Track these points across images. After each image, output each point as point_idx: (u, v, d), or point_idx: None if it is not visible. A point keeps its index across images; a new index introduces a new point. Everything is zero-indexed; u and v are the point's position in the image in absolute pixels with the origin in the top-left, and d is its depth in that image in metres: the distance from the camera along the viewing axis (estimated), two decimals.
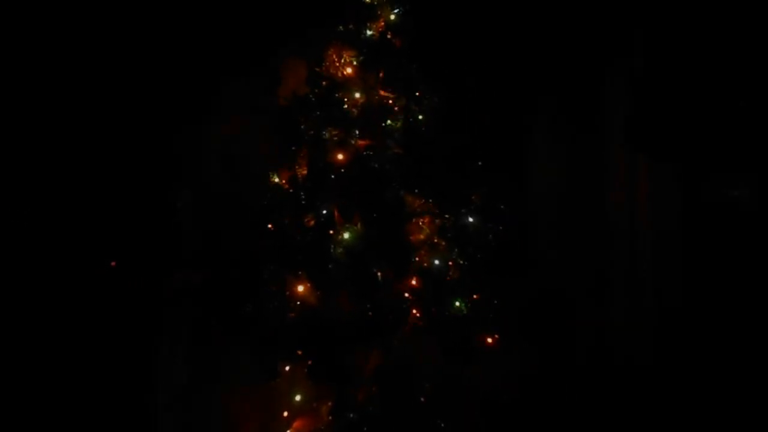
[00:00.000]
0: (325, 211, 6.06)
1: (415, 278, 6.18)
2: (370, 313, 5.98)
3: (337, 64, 6.36)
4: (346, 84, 6.30)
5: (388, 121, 6.24)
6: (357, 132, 6.21)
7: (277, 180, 6.34)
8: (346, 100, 6.22)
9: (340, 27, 6.38)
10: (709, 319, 7.28)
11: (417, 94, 6.32)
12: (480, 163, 6.38)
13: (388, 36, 6.39)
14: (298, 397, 6.29)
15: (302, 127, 6.32)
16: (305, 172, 6.25)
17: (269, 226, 6.20)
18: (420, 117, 6.28)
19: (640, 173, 7.56)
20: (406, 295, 6.14)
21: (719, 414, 6.95)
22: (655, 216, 7.54)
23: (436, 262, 6.14)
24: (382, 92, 6.36)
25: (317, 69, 6.38)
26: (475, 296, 6.22)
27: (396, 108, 6.29)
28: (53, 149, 7.17)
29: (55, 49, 7.19)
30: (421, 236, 6.25)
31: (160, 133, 7.23)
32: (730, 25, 7.30)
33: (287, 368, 6.33)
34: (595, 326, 7.43)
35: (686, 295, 7.40)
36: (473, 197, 6.28)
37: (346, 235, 6.01)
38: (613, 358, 7.35)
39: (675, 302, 7.43)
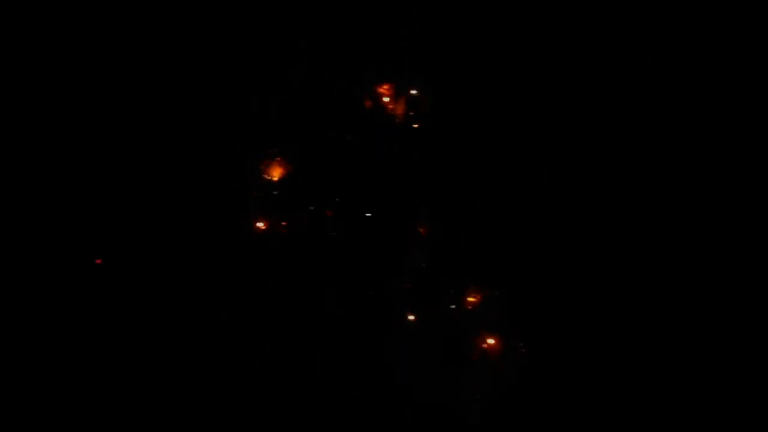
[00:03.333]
0: (315, 208, 6.07)
1: (407, 282, 6.18)
2: (363, 312, 5.97)
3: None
4: (344, 79, 6.29)
5: (386, 117, 6.24)
6: (352, 129, 6.21)
7: (268, 177, 6.35)
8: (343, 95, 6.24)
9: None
10: (719, 321, 7.18)
11: (414, 92, 6.30)
12: (479, 160, 6.33)
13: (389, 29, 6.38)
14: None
15: (297, 122, 6.32)
16: (297, 168, 6.26)
17: (260, 224, 6.20)
18: (417, 114, 6.27)
19: (649, 170, 7.46)
20: (400, 298, 6.13)
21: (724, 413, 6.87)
22: (665, 212, 7.45)
23: (431, 264, 6.12)
24: (379, 89, 6.35)
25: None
26: (475, 295, 6.19)
27: (392, 105, 6.27)
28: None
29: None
30: (420, 232, 6.23)
31: (153, 126, 7.23)
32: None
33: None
34: (598, 326, 7.33)
35: (695, 295, 7.29)
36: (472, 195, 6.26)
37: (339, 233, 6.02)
38: (618, 359, 7.24)
39: (682, 303, 7.31)
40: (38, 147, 7.13)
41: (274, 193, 6.28)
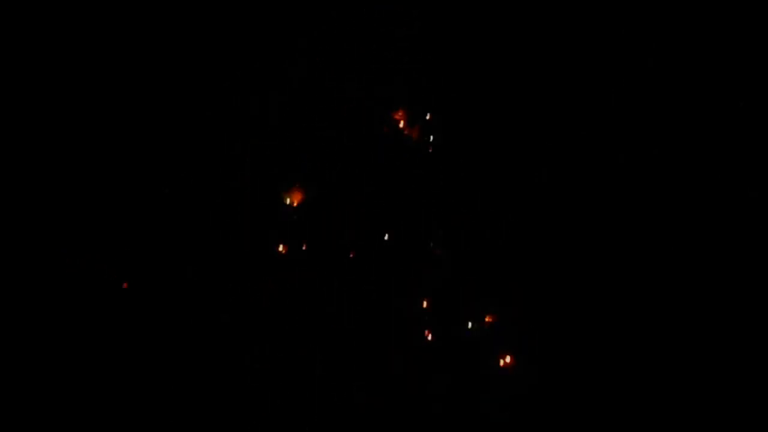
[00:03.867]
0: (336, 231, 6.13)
1: (426, 300, 6.23)
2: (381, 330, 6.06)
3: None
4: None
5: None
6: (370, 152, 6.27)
7: (288, 201, 6.40)
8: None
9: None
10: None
11: (428, 117, 6.36)
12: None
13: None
14: None
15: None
16: (315, 192, 6.33)
17: (281, 248, 6.27)
18: (431, 138, 6.34)
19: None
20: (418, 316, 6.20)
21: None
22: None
23: (448, 283, 6.19)
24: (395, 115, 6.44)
25: None
26: (488, 318, 6.24)
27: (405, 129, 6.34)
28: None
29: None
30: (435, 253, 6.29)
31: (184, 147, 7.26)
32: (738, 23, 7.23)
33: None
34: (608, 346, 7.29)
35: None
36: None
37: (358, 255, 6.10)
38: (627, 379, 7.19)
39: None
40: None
41: (292, 213, 6.35)
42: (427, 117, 6.53)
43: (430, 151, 6.67)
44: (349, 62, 6.96)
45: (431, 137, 6.66)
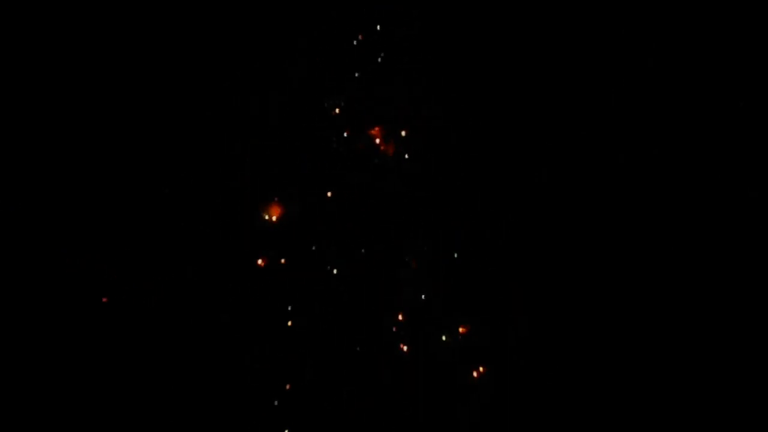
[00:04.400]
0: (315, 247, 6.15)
1: (401, 314, 6.24)
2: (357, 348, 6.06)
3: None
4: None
5: (375, 160, 6.35)
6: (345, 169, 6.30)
7: (267, 217, 6.42)
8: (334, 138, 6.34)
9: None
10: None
11: (403, 133, 6.39)
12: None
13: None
14: None
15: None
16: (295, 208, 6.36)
17: (259, 262, 6.29)
18: (406, 156, 6.37)
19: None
20: (394, 329, 6.20)
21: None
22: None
23: (423, 296, 6.19)
24: (370, 132, 6.46)
25: None
26: (461, 329, 6.25)
27: (382, 147, 6.37)
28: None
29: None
30: (411, 267, 6.30)
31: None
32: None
33: None
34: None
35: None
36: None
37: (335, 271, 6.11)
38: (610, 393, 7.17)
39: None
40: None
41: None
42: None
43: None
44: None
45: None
